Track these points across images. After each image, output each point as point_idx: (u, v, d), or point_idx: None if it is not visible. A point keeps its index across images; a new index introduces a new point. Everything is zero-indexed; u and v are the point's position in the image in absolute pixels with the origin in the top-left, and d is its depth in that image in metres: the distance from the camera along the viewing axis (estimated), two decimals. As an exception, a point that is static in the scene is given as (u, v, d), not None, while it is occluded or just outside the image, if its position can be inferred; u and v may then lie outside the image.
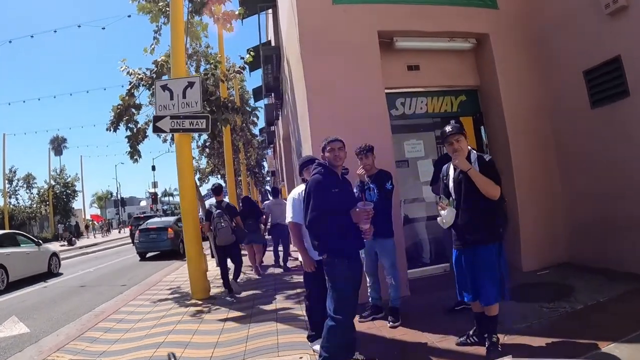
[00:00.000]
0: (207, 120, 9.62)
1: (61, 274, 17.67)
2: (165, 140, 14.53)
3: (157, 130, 9.59)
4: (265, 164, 40.31)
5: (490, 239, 4.77)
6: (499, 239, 4.85)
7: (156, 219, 24.60)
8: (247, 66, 14.33)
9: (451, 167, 5.07)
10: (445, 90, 9.09)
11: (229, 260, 10.10)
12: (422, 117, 8.98)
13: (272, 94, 18.67)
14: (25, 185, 53.28)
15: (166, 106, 9.55)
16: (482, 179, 4.68)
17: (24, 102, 73.53)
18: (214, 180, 24.74)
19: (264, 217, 13.10)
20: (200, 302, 9.05)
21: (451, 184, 4.96)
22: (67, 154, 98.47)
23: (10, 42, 19.86)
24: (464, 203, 4.79)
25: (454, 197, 4.89)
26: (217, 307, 8.50)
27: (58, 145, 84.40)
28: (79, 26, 16.27)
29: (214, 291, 10.00)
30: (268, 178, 46.33)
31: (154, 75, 11.54)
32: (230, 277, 10.04)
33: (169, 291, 10.86)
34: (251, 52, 13.35)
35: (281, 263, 12.90)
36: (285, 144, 18.38)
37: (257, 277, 11.79)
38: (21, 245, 16.20)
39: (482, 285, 4.74)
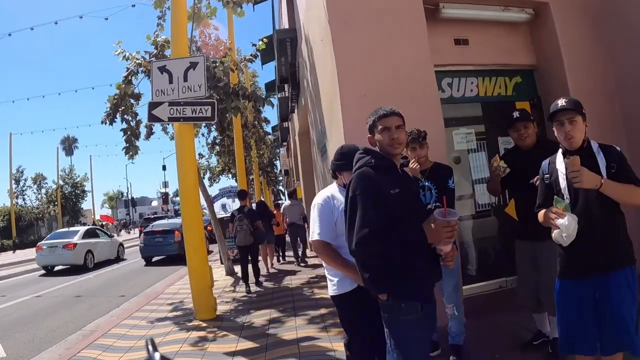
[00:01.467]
0: (212, 107, 8.14)
1: (125, 259, 22.46)
2: (173, 138, 13.17)
3: (153, 119, 8.10)
4: (278, 162, 38.89)
5: (628, 260, 3.23)
6: (633, 259, 3.28)
7: (162, 221, 23.30)
8: (259, 54, 12.94)
9: (557, 158, 3.50)
10: (498, 70, 7.55)
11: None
12: (472, 101, 7.39)
13: (286, 87, 17.22)
14: (35, 186, 52.48)
15: (164, 91, 8.12)
16: (621, 189, 3.15)
17: (27, 99, 72.15)
18: (224, 180, 23.54)
19: (282, 217, 14.48)
20: (204, 325, 7.55)
21: (563, 183, 3.38)
22: (77, 154, 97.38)
23: (10, 34, 18.32)
24: (586, 212, 3.20)
25: (567, 198, 3.30)
26: (224, 332, 6.98)
27: (69, 145, 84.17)
28: (81, 17, 14.69)
29: (221, 308, 8.53)
30: (280, 177, 44.96)
31: (154, 59, 10.08)
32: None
33: (170, 307, 9.40)
34: (264, 39, 11.95)
35: (299, 260, 14.15)
36: (302, 140, 16.86)
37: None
38: (100, 237, 21.35)
39: (625, 330, 3.11)
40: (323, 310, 7.48)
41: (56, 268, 19.19)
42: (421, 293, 2.90)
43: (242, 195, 11.69)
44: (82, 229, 21.36)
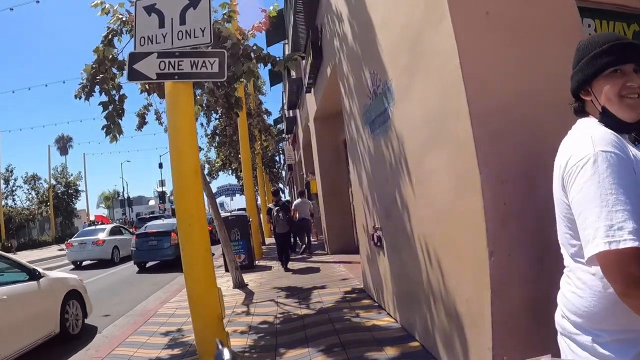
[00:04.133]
0: (221, 60, 5.70)
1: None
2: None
3: (134, 76, 5.63)
4: (278, 158, 36.45)
5: None
6: None
7: (157, 222, 20.86)
8: (273, 20, 10.47)
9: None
10: (615, 12, 5.10)
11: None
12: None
13: (302, 62, 14.82)
14: (28, 186, 50.19)
15: (152, 38, 5.68)
16: None
17: (13, 92, 69.14)
18: (223, 176, 21.36)
19: (293, 213, 14.78)
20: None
21: None
22: (71, 153, 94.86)
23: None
24: None
25: None
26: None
27: (64, 144, 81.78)
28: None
29: (235, 344, 6.07)
30: (283, 174, 42.60)
31: None
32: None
33: (164, 339, 6.94)
34: (276, 5, 9.54)
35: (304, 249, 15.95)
36: (320, 125, 14.44)
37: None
38: (124, 234, 22.75)
39: None
40: (391, 352, 5.05)
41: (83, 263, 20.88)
42: None
43: (276, 193, 14.71)
44: (108, 227, 22.72)
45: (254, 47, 7.91)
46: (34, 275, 7.18)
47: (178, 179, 5.52)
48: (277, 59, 7.94)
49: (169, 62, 5.59)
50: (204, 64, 5.65)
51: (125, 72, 8.11)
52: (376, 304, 7.20)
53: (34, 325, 6.74)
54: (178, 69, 5.59)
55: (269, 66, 8.06)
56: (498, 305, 3.25)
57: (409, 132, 4.76)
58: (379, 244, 6.69)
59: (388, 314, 6.53)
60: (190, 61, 5.63)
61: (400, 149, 5.10)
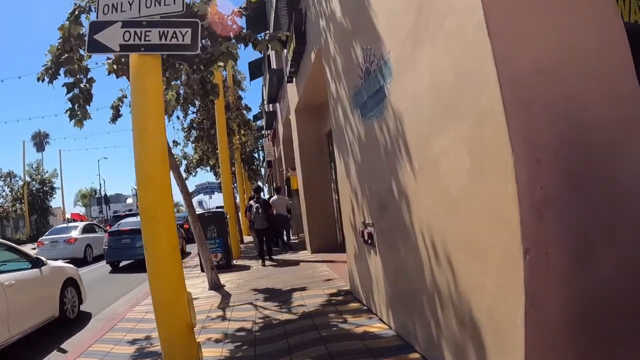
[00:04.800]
0: (194, 30, 5.01)
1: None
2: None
3: (95, 47, 4.95)
4: (257, 155, 35.65)
5: None
6: None
7: (131, 219, 20.02)
8: (254, 5, 9.75)
9: None
10: None
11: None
12: None
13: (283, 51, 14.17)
14: (3, 183, 48.84)
15: (116, 6, 5.05)
16: None
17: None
18: (202, 173, 20.79)
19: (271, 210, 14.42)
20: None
21: None
22: (48, 150, 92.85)
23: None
24: None
25: None
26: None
27: (40, 140, 79.95)
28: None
29: (208, 355, 5.39)
30: (262, 171, 41.88)
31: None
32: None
33: (131, 349, 6.21)
34: None
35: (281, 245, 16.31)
36: (302, 117, 13.76)
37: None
38: (97, 232, 21.91)
39: None
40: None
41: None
42: None
43: (258, 190, 15.00)
44: (80, 225, 21.91)
45: (234, 26, 7.22)
46: (37, 264, 7.78)
47: (142, 167, 4.81)
48: (259, 38, 7.26)
49: (135, 33, 4.93)
50: (174, 35, 4.99)
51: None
52: (365, 308, 6.53)
53: (38, 309, 7.38)
54: (145, 40, 4.93)
55: (250, 47, 7.37)
56: (534, 316, 2.61)
57: (412, 109, 4.08)
58: (369, 241, 6.02)
59: (380, 319, 5.85)
60: (159, 32, 4.97)
61: (399, 130, 4.43)
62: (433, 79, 3.52)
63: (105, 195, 76.22)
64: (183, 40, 4.98)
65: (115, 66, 7.73)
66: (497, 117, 2.66)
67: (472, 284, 3.25)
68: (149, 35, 4.90)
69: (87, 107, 7.46)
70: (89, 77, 7.49)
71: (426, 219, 4.03)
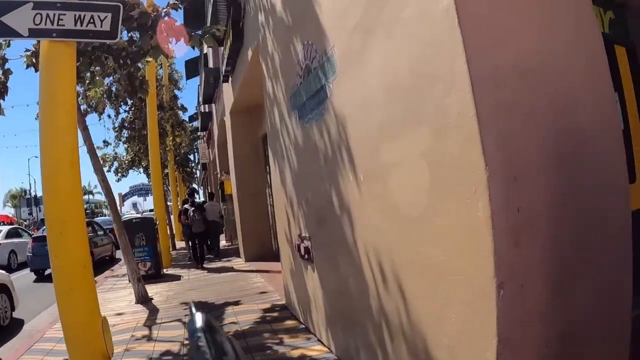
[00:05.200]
0: (114, 16, 4.43)
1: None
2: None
3: (0, 31, 4.29)
4: (192, 156, 34.63)
5: None
6: None
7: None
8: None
9: None
10: None
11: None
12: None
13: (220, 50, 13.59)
14: None
15: (24, -17, 4.34)
16: None
17: None
18: (134, 175, 20.14)
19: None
20: None
21: None
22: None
23: None
24: None
25: None
26: None
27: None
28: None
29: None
30: (197, 173, 40.78)
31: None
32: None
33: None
34: None
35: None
36: (237, 119, 13.17)
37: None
38: (23, 237, 20.76)
39: None
40: None
41: None
42: None
43: (192, 194, 15.54)
44: (4, 229, 20.98)
45: (166, 18, 6.62)
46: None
47: (48, 170, 4.19)
48: (193, 33, 6.68)
49: (47, 16, 4.30)
50: (91, 20, 4.39)
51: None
52: (303, 327, 6.03)
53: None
54: (58, 25, 4.31)
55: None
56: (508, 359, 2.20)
57: (358, 112, 3.60)
58: (306, 256, 5.52)
59: (319, 340, 5.35)
60: (75, 15, 4.35)
61: (342, 136, 3.96)
62: (386, 78, 3.06)
63: (36, 196, 72.69)
64: (102, 27, 4.40)
65: (34, 59, 6.96)
66: (467, 124, 2.24)
67: (428, 316, 2.81)
68: (62, 19, 4.30)
69: (2, 101, 6.76)
70: (5, 68, 6.77)
71: (372, 237, 3.57)
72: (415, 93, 2.72)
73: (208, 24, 12.20)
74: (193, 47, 6.72)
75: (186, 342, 6.03)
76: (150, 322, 7.41)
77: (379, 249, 3.44)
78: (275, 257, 10.35)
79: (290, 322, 6.34)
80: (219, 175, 20.67)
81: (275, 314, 6.90)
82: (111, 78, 8.82)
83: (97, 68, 7.56)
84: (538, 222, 2.26)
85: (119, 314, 7.94)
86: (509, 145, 2.22)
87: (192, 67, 23.57)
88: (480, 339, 2.28)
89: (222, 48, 11.96)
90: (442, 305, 2.64)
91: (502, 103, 2.23)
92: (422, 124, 2.68)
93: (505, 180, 2.18)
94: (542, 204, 2.29)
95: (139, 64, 7.51)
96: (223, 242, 18.17)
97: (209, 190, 23.12)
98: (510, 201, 2.19)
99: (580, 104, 2.42)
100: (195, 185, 42.47)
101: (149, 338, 6.54)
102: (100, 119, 17.39)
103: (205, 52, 19.14)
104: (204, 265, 12.92)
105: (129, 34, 6.91)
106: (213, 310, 7.57)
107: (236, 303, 7.91)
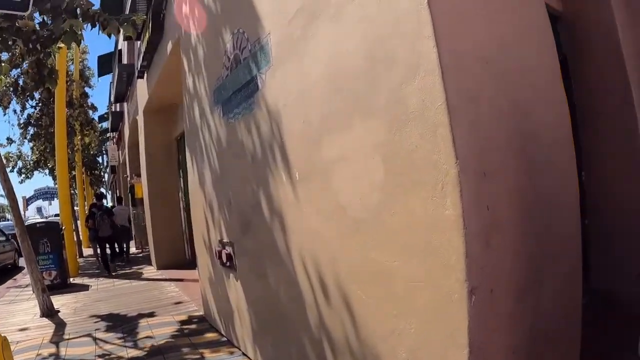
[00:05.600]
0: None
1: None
2: None
3: None
4: (100, 159, 33.09)
5: None
6: None
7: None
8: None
9: None
10: None
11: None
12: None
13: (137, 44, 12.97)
14: None
15: None
16: None
17: None
18: (39, 176, 19.22)
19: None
20: None
21: None
22: None
23: None
24: None
25: None
26: None
27: None
28: None
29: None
30: (106, 177, 39.11)
31: None
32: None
33: None
34: None
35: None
36: (151, 118, 12.53)
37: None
38: None
39: None
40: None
41: None
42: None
43: (100, 197, 15.10)
44: None
45: (83, 2, 6.05)
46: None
47: None
48: (112, 19, 6.13)
49: None
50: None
51: None
52: (225, 339, 5.60)
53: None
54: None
55: (98, 28, 6.22)
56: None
57: (296, 104, 3.28)
58: (228, 263, 5.13)
59: (244, 354, 4.95)
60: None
61: (275, 131, 3.64)
62: (332, 66, 2.78)
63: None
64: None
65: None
66: (436, 115, 2.00)
67: (381, 328, 2.55)
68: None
69: None
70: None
71: (310, 242, 3.27)
72: (367, 81, 2.45)
73: (127, 11, 11.58)
74: (109, 35, 6.18)
75: (98, 359, 5.51)
76: (58, 337, 6.68)
77: (319, 255, 3.15)
78: (189, 264, 9.87)
79: (210, 335, 5.91)
80: (129, 178, 19.74)
81: (194, 326, 6.43)
82: (19, 70, 8.07)
83: (3, 53, 6.87)
84: (507, 221, 2.08)
85: (23, 329, 7.16)
86: (480, 139, 2.01)
87: (106, 63, 22.26)
88: (448, 349, 2.05)
89: (140, 42, 11.32)
90: (398, 316, 2.38)
91: (471, 93, 2.03)
92: (374, 115, 2.42)
93: (476, 176, 1.97)
94: (508, 201, 2.11)
95: (50, 50, 6.85)
96: (133, 249, 17.43)
97: (118, 194, 22.14)
98: (481, 199, 1.98)
99: (537, 98, 2.29)
100: (103, 190, 40.74)
101: (56, 357, 5.86)
102: (4, 114, 16.13)
103: (120, 47, 18.21)
104: (114, 274, 12.30)
105: (42, 17, 6.30)
106: (125, 324, 6.96)
107: (150, 315, 7.34)
